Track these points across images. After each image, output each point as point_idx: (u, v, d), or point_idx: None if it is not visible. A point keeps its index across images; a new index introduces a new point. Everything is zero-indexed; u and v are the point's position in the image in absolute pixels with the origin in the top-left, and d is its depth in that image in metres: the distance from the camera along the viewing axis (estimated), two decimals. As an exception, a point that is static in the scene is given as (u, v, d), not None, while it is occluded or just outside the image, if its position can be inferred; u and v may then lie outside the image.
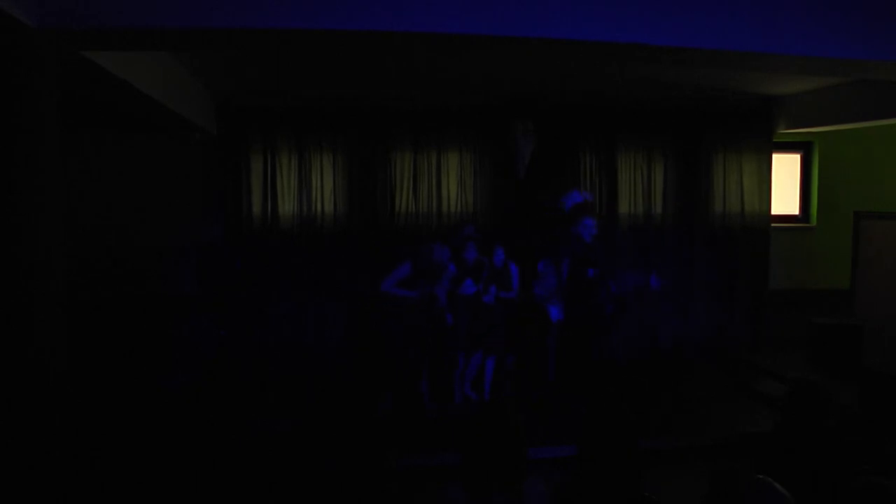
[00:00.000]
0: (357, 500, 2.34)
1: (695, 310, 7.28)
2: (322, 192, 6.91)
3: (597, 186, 7.19)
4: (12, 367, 2.97)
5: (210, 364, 6.03)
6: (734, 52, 3.61)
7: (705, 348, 7.32)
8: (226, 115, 6.70)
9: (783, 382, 6.09)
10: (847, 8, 3.62)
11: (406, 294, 6.02)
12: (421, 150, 7.03)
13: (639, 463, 2.35)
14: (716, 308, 7.34)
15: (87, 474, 3.83)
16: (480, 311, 6.13)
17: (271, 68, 5.74)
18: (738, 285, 7.40)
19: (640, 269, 6.06)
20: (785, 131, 7.32)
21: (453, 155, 7.10)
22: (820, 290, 7.55)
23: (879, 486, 2.18)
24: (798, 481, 2.58)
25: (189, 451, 4.59)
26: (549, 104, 6.94)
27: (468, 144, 7.07)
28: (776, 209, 7.61)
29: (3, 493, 2.91)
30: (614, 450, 2.34)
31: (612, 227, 7.17)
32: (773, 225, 7.49)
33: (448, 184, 7.08)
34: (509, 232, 6.88)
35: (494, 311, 6.17)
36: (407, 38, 3.38)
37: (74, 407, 3.45)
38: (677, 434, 5.38)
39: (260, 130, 6.79)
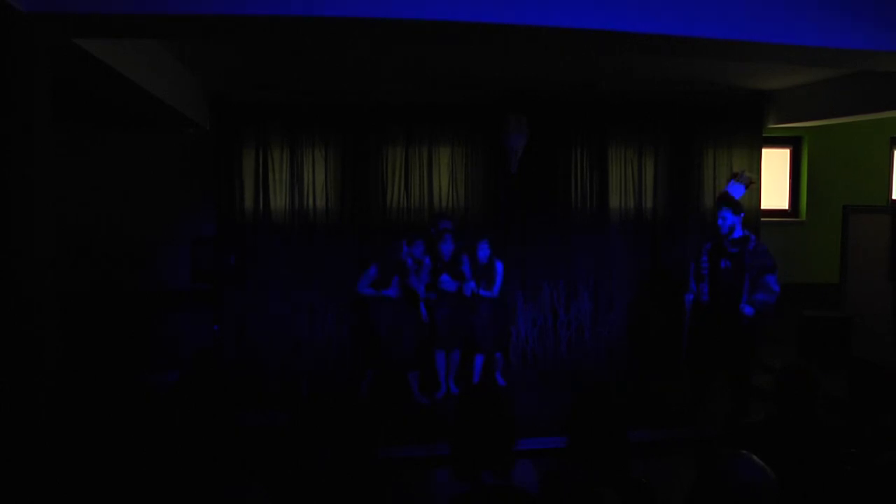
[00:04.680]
0: (352, 494, 2.36)
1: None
2: (314, 187, 6.89)
3: (588, 181, 7.21)
4: (4, 364, 2.95)
5: (203, 359, 6.02)
6: (727, 41, 3.60)
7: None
8: (219, 109, 6.67)
9: (773, 373, 6.15)
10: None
11: (383, 294, 5.96)
12: (413, 145, 7.01)
13: (628, 453, 2.37)
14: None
15: (81, 471, 3.82)
16: (461, 306, 6.10)
17: (264, 63, 5.74)
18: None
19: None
20: (775, 126, 7.37)
21: (445, 150, 7.08)
22: (810, 284, 7.59)
23: None
24: (789, 468, 2.61)
25: (181, 447, 4.58)
26: (543, 99, 6.95)
27: (461, 139, 7.06)
28: (766, 204, 7.66)
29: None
30: (604, 440, 2.36)
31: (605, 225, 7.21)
32: (763, 220, 7.53)
33: (439, 178, 7.07)
34: (502, 228, 6.90)
35: (477, 306, 6.11)
36: (392, 26, 3.33)
37: (67, 404, 3.43)
38: (668, 425, 5.42)
39: (252, 125, 6.77)
